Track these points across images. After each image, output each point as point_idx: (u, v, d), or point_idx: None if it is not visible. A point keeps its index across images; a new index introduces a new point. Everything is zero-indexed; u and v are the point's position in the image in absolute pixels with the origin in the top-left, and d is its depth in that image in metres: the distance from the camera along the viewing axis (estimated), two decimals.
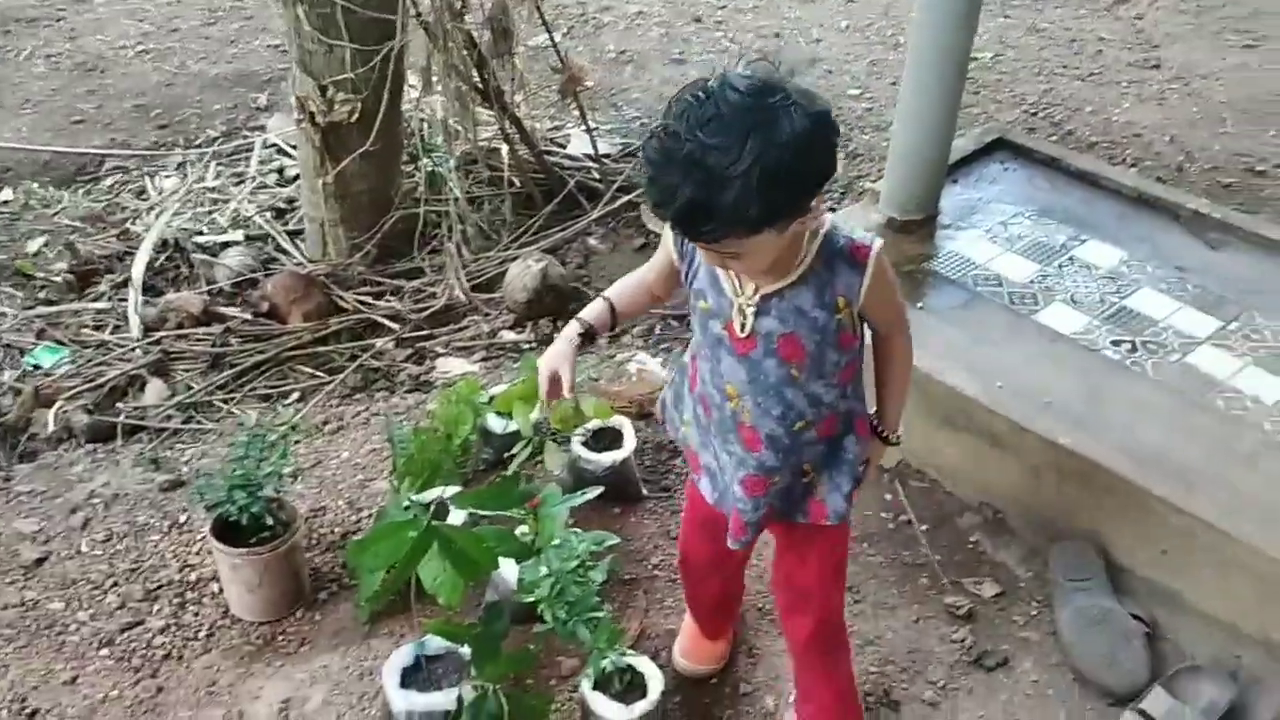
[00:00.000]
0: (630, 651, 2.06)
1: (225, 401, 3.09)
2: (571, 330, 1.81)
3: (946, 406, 2.59)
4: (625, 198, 3.86)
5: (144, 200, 3.97)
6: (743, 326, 1.63)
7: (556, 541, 2.00)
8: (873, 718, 2.17)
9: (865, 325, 1.72)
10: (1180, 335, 2.78)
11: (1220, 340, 2.77)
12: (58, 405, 3.01)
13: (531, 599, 1.92)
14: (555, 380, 1.77)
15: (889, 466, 2.64)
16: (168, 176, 4.13)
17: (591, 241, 3.77)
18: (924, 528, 2.56)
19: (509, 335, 3.34)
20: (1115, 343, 2.76)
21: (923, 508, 2.61)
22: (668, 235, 1.72)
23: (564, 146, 4.14)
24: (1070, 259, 3.05)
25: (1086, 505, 2.45)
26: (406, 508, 2.20)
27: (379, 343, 3.29)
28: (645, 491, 2.65)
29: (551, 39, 3.82)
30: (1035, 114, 4.40)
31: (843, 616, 2.04)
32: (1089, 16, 5.25)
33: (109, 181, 4.12)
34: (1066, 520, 2.49)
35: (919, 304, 2.88)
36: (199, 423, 3.02)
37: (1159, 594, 2.38)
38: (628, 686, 2.04)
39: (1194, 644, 2.30)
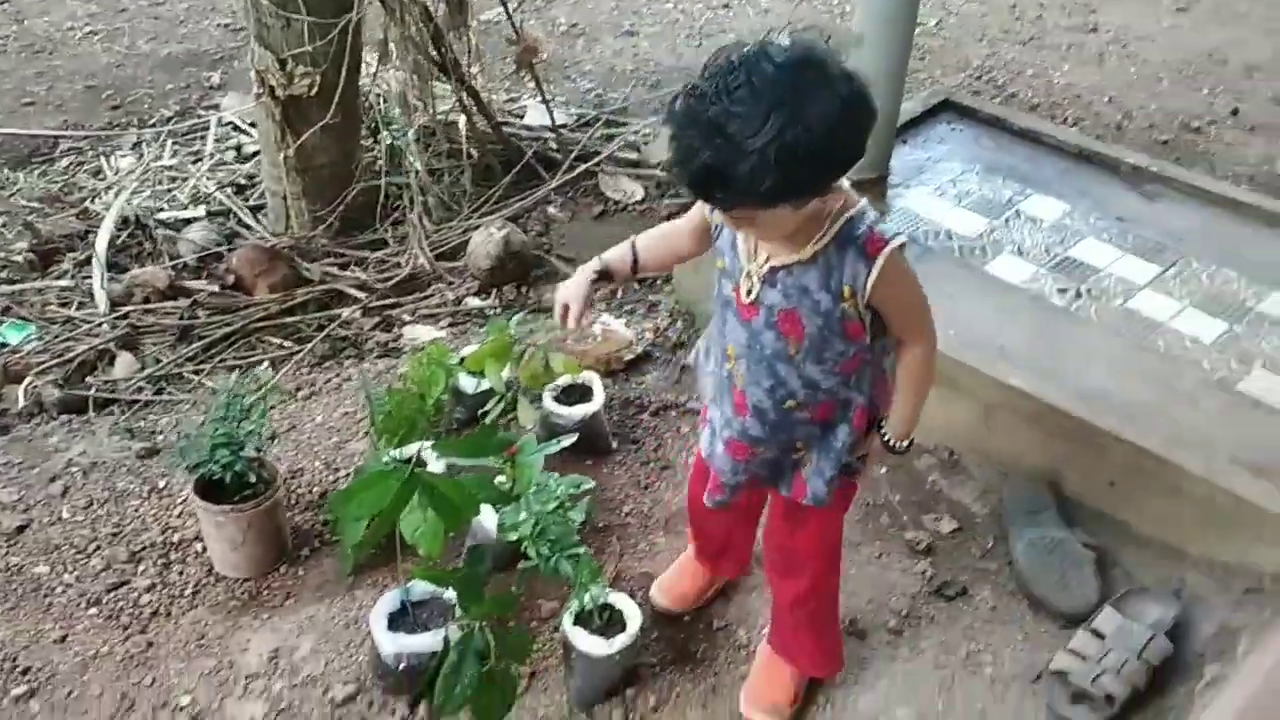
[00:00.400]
0: (607, 590, 2.14)
1: (195, 373, 3.12)
2: (589, 267, 1.85)
3: None
4: (583, 166, 3.92)
5: (101, 180, 3.97)
6: (749, 292, 1.64)
7: (535, 486, 2.08)
8: None
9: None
10: (1122, 281, 2.91)
11: (1160, 285, 2.90)
12: (27, 381, 3.03)
13: (515, 537, 2.00)
14: (566, 310, 1.83)
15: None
16: (123, 156, 4.12)
17: (551, 210, 3.83)
18: (883, 470, 2.67)
19: (474, 302, 3.39)
20: (1061, 290, 2.88)
21: (882, 451, 2.71)
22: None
23: (521, 118, 4.20)
24: (1016, 213, 3.17)
25: (1038, 443, 2.57)
26: (387, 462, 2.26)
27: (345, 312, 3.33)
28: (615, 445, 2.73)
29: (507, 10, 3.87)
30: (979, 78, 4.52)
31: (835, 591, 2.07)
32: None
33: (64, 162, 4.10)
34: (1019, 458, 2.61)
35: None
36: (170, 394, 3.05)
37: (1107, 523, 2.51)
38: (607, 623, 2.13)
39: (1140, 568, 2.43)
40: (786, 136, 1.34)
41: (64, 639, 2.26)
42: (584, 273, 1.85)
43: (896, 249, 1.57)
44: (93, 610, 2.32)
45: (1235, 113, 4.28)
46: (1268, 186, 3.75)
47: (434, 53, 3.58)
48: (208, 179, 3.90)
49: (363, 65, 3.51)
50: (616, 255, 1.87)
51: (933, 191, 3.25)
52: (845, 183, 1.58)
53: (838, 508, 1.93)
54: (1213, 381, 2.61)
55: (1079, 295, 2.86)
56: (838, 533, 2.00)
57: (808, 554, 1.97)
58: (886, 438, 1.78)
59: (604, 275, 1.86)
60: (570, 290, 1.84)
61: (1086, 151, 3.42)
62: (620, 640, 2.08)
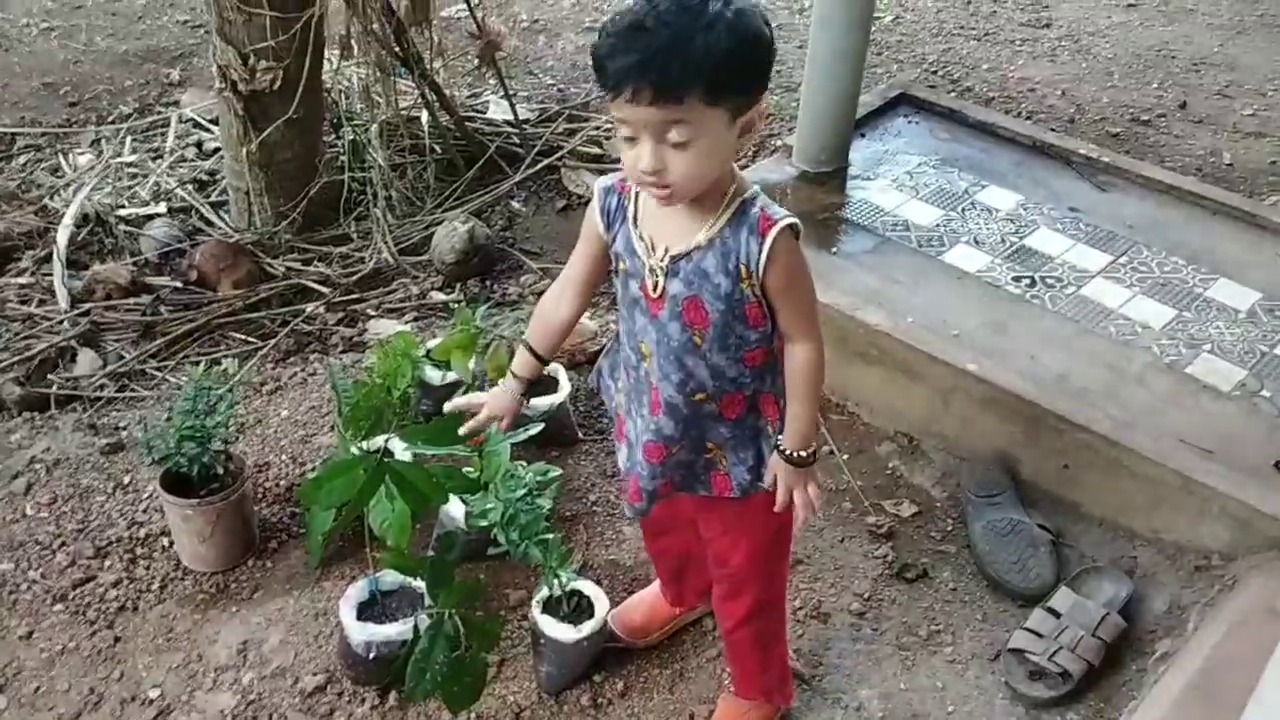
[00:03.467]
0: (576, 576, 2.17)
1: (159, 369, 3.12)
2: (512, 388, 1.93)
3: (862, 342, 2.74)
4: (545, 161, 3.95)
5: (59, 177, 3.94)
6: (655, 286, 1.65)
7: (503, 475, 2.10)
8: (804, 629, 2.32)
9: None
10: (1075, 270, 2.98)
11: (1111, 273, 2.97)
12: None
13: (484, 524, 2.02)
14: (491, 420, 1.93)
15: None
16: (82, 154, 4.09)
17: (514, 205, 3.86)
18: (845, 457, 2.72)
19: (438, 296, 3.41)
20: (1016, 278, 2.94)
21: (843, 438, 2.76)
22: (590, 212, 1.74)
23: (483, 112, 4.22)
24: (972, 204, 3.23)
25: (994, 427, 2.62)
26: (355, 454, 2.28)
27: (310, 307, 3.34)
28: (581, 435, 2.76)
29: (469, 5, 3.87)
30: (935, 72, 4.58)
31: (781, 608, 2.05)
32: None
33: (21, 160, 4.06)
34: (976, 442, 2.66)
35: (833, 250, 3.04)
36: (133, 391, 3.04)
37: (1062, 505, 2.57)
38: (574, 610, 2.16)
39: (1094, 548, 2.49)
40: (724, 23, 1.43)
41: (30, 635, 2.26)
42: (510, 392, 1.93)
43: (786, 227, 1.59)
44: (59, 606, 2.31)
45: (1183, 106, 4.37)
46: (1214, 177, 3.84)
47: (396, 47, 3.59)
48: (169, 175, 3.88)
49: (325, 60, 3.51)
50: (523, 364, 1.92)
51: (891, 183, 3.31)
52: (737, 169, 1.62)
53: (772, 517, 1.84)
54: (1162, 366, 2.68)
55: (1034, 283, 2.93)
56: (780, 533, 1.94)
57: (747, 570, 1.94)
58: (784, 449, 1.74)
59: (528, 387, 1.94)
60: (501, 405, 1.93)
61: (1040, 143, 3.49)
62: (588, 626, 2.11)
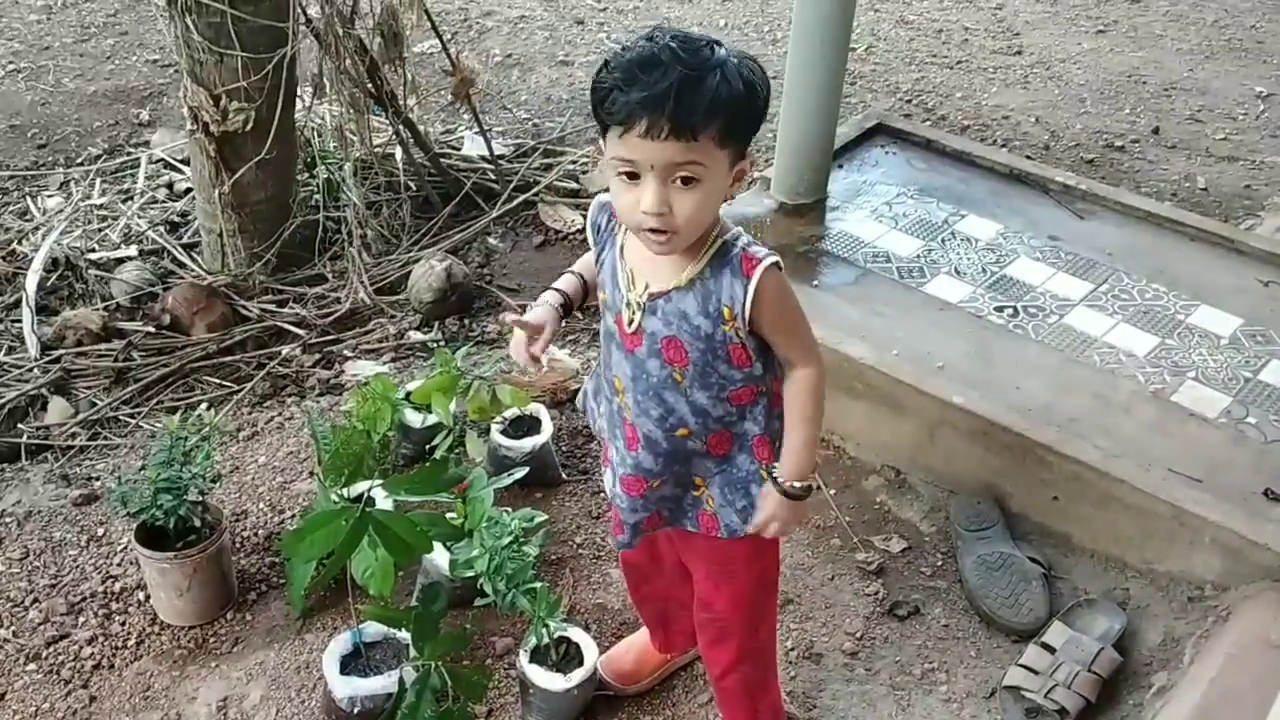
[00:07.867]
0: (564, 624, 2.13)
1: (132, 416, 3.06)
2: (550, 301, 1.77)
3: (846, 375, 2.72)
4: (522, 197, 3.92)
5: (28, 221, 3.88)
6: (631, 322, 1.62)
7: (488, 522, 2.06)
8: (796, 670, 2.28)
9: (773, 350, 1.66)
10: (1057, 298, 2.97)
11: (1093, 301, 2.97)
12: None
13: (470, 574, 1.98)
14: (537, 329, 1.72)
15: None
16: (50, 196, 4.04)
17: (491, 241, 3.83)
18: (832, 492, 2.69)
19: (416, 335, 3.37)
20: (998, 308, 2.93)
21: (829, 473, 2.74)
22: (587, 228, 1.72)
23: (458, 149, 4.19)
24: (952, 233, 3.22)
25: (981, 460, 2.60)
26: (335, 502, 2.23)
27: (285, 349, 3.29)
28: (565, 475, 2.72)
29: (442, 42, 3.86)
30: (910, 101, 4.60)
31: (770, 653, 2.01)
32: (953, 8, 5.50)
33: None
34: (964, 475, 2.64)
35: (814, 282, 3.02)
36: (106, 438, 2.98)
37: (1053, 537, 2.55)
38: (563, 657, 2.11)
39: (1086, 580, 2.47)
40: (733, 60, 1.45)
41: (2, 697, 2.19)
42: (549, 306, 1.76)
43: (771, 265, 1.57)
44: (31, 666, 2.25)
45: (1156, 131, 4.40)
46: (1189, 202, 3.87)
47: (370, 85, 3.57)
48: (139, 217, 3.83)
49: (297, 99, 3.48)
50: (567, 281, 1.82)
51: (870, 214, 3.30)
52: (721, 212, 1.60)
53: (757, 561, 1.84)
54: (1147, 394, 2.67)
55: (1016, 313, 2.92)
56: (766, 580, 1.91)
57: (732, 606, 1.89)
58: (777, 477, 1.67)
59: (566, 306, 1.79)
60: (542, 317, 1.74)
61: (1017, 171, 3.49)
62: (577, 675, 2.07)
